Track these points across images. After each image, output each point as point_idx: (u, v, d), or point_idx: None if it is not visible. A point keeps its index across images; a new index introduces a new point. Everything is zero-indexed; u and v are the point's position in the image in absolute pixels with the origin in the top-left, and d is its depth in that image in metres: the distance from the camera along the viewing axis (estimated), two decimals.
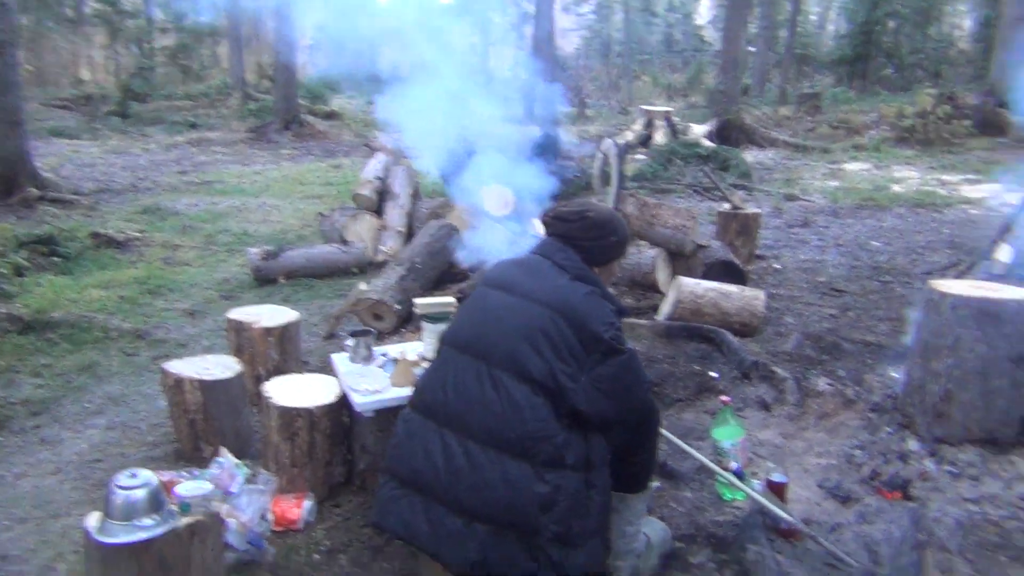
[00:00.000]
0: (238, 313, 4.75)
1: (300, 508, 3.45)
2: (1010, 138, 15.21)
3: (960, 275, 6.30)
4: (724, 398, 4.04)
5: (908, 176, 12.92)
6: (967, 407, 3.81)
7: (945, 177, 12.68)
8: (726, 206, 7.59)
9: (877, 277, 7.16)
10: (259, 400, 3.86)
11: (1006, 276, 5.97)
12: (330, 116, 21.20)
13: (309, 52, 17.66)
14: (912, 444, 3.91)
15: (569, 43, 41.18)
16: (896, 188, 11.83)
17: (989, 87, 16.79)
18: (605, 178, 6.35)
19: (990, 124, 15.89)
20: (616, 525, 3.02)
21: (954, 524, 3.34)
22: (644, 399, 2.87)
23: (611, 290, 3.13)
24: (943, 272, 6.78)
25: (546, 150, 10.51)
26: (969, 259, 6.49)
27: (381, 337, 5.35)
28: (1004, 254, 6.28)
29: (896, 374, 4.45)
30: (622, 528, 3.04)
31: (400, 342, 4.63)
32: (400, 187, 8.41)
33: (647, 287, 6.47)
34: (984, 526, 3.33)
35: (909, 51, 29.47)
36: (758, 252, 7.73)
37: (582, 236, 2.89)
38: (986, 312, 3.71)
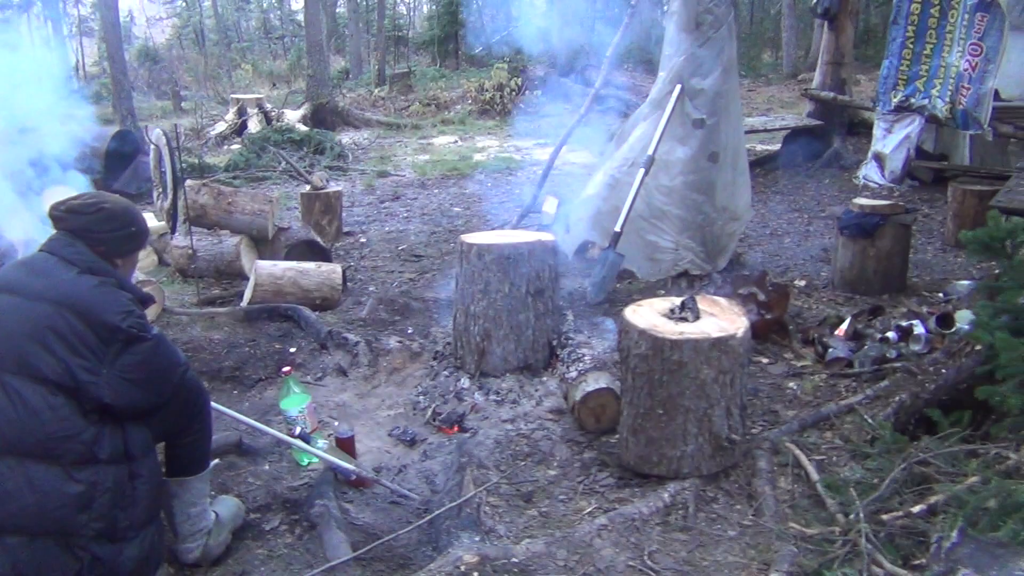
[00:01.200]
0: None
1: None
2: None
3: (515, 227, 7.05)
4: (285, 369, 4.19)
5: (489, 145, 14.06)
6: (503, 341, 4.33)
7: (519, 143, 13.99)
8: (307, 187, 7.75)
9: (454, 239, 7.76)
10: None
11: (553, 223, 6.80)
12: None
13: None
14: (464, 382, 4.37)
15: (160, 33, 38.78)
16: (478, 156, 12.83)
17: (551, 60, 18.70)
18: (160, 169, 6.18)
19: (558, 93, 17.72)
20: (178, 509, 3.03)
21: (492, 443, 3.80)
22: (182, 381, 2.89)
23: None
24: (503, 226, 7.52)
25: (124, 149, 9.95)
26: (521, 211, 7.28)
27: None
28: (551, 205, 7.14)
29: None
30: (185, 511, 3.06)
31: None
32: None
33: (233, 275, 6.44)
34: (517, 440, 3.84)
35: (492, 30, 31.74)
36: (346, 228, 8.00)
37: (99, 229, 2.84)
38: (506, 256, 4.23)
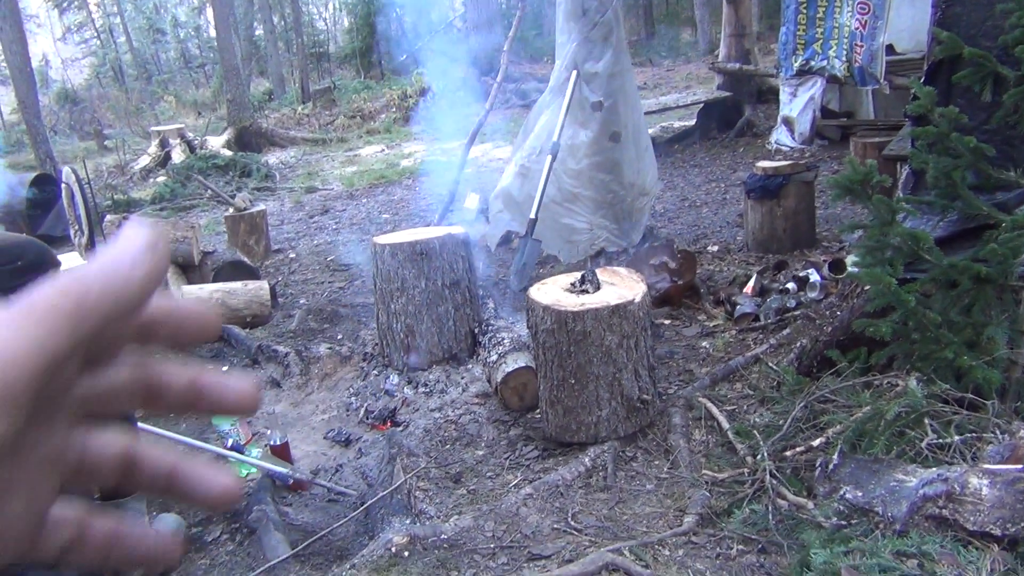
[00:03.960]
0: None
1: None
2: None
3: (438, 225, 7.17)
4: None
5: (416, 150, 14.14)
6: (426, 335, 4.46)
7: (446, 145, 14.10)
8: (231, 210, 7.79)
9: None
10: None
11: (476, 217, 6.96)
12: None
13: None
14: (393, 379, 4.50)
15: (78, 73, 38.07)
16: (405, 163, 12.92)
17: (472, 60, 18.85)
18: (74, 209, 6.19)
19: (480, 92, 17.91)
20: None
21: (421, 432, 3.94)
22: None
23: None
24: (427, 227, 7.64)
25: (45, 193, 9.87)
26: (443, 208, 7.40)
27: None
28: (472, 201, 7.28)
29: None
30: None
31: None
32: None
33: None
34: (445, 426, 3.98)
35: (413, 38, 31.79)
36: (275, 246, 8.06)
37: None
38: (418, 252, 4.37)
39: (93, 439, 0.41)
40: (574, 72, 5.71)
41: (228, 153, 13.84)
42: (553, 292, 3.60)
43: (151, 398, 0.42)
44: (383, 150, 14.70)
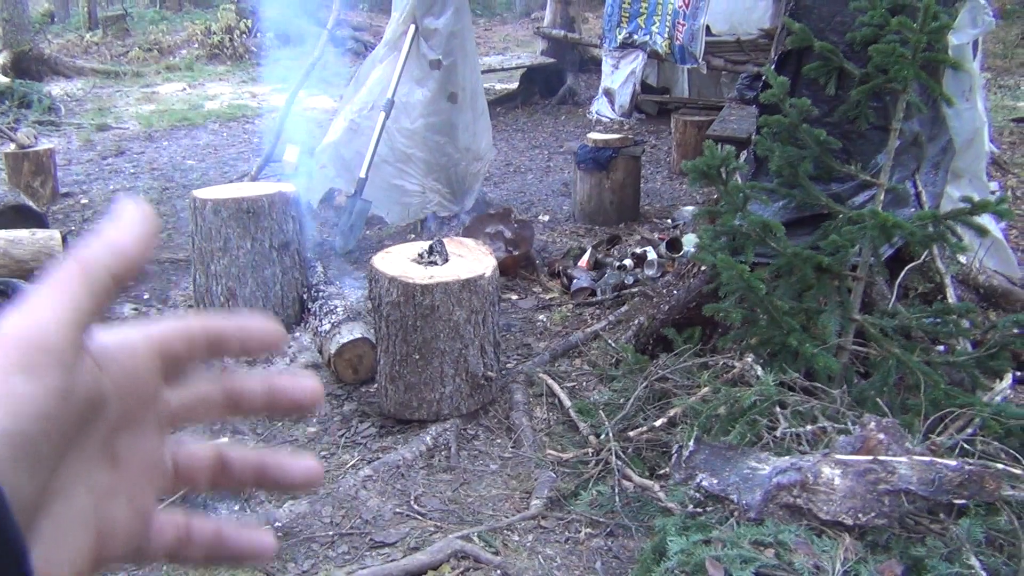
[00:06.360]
0: None
1: None
2: None
3: (255, 179, 6.71)
4: None
5: (222, 92, 13.25)
6: (249, 299, 4.13)
7: (255, 89, 13.30)
8: (12, 146, 6.93)
9: (188, 195, 7.28)
10: None
11: (296, 173, 6.55)
12: None
13: None
14: None
15: None
16: (210, 105, 12.07)
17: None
18: None
19: (296, 35, 17.00)
20: None
21: None
22: None
23: None
24: (241, 179, 7.15)
25: None
26: (259, 162, 6.94)
27: None
28: (292, 154, 6.86)
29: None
30: None
31: None
32: None
33: None
34: None
35: None
36: (64, 190, 7.27)
37: None
38: (244, 210, 4.02)
39: (186, 446, 0.45)
40: (412, 27, 5.45)
41: (3, 79, 12.36)
42: (399, 263, 3.41)
43: (232, 405, 0.46)
44: (184, 89, 13.66)
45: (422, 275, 3.26)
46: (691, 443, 2.65)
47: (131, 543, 0.41)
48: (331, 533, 2.88)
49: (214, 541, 0.45)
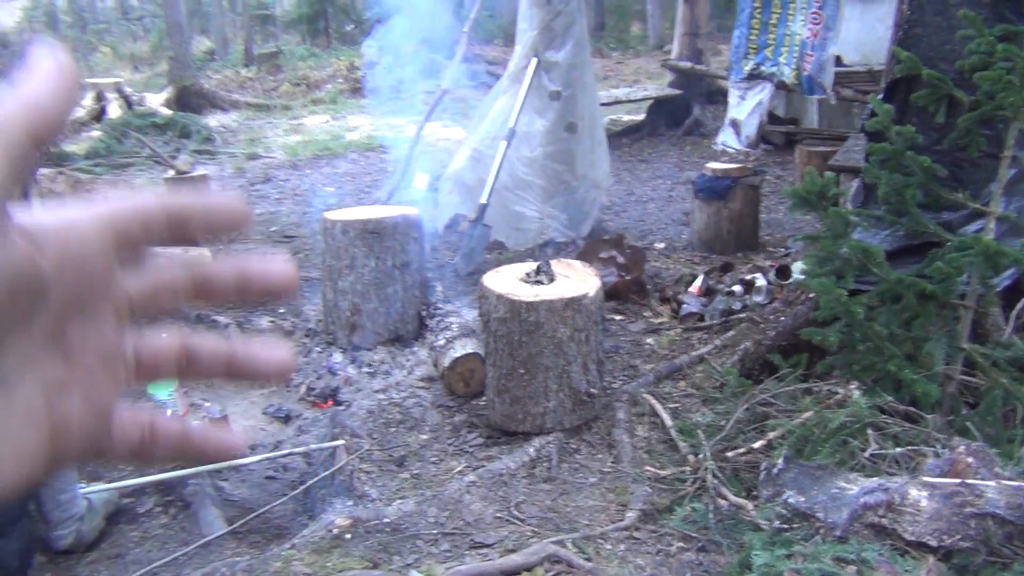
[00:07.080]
0: None
1: None
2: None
3: (386, 203, 7.09)
4: None
5: (361, 123, 13.95)
6: (372, 315, 4.42)
7: (393, 120, 13.95)
8: (171, 172, 7.59)
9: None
10: None
11: (424, 200, 6.89)
12: None
13: None
14: (337, 357, 4.44)
15: (9, 15, 36.54)
16: (350, 136, 12.74)
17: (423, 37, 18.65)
18: None
19: (431, 69, 17.75)
20: (47, 497, 3.04)
21: (365, 413, 3.90)
22: None
23: None
24: (374, 204, 7.55)
25: None
26: (389, 188, 7.33)
27: None
28: (421, 181, 7.22)
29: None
30: (56, 499, 3.06)
31: None
32: None
33: None
34: (389, 408, 3.95)
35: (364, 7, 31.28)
36: None
37: None
38: (370, 231, 4.31)
39: (148, 337, 0.42)
40: (534, 59, 5.69)
41: (167, 112, 13.45)
42: (507, 281, 3.60)
43: (200, 291, 0.43)
44: (328, 121, 14.46)
45: (528, 293, 3.44)
46: (780, 461, 2.70)
47: (89, 440, 0.39)
48: (435, 531, 3.07)
49: (180, 441, 0.43)
